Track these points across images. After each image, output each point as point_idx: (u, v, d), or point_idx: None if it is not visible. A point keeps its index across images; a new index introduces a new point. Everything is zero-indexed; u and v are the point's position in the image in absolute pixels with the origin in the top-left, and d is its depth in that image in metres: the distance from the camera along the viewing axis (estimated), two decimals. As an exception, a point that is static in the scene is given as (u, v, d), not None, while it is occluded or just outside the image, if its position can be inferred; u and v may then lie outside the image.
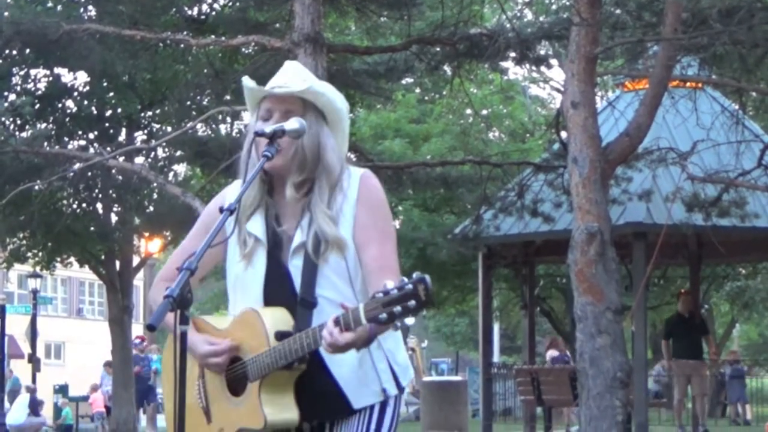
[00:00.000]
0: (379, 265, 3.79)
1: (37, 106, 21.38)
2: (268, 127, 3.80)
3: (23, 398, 31.84)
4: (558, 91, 35.29)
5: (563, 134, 14.61)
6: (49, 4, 21.43)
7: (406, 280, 3.46)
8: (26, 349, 38.56)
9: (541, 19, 22.70)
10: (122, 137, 23.94)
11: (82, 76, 22.85)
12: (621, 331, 12.44)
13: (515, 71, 38.46)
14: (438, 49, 17.83)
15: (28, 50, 20.75)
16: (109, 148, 20.48)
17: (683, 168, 15.29)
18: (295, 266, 3.84)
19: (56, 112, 22.60)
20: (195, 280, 3.98)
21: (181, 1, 21.70)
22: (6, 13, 19.22)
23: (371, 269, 3.81)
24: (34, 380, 33.96)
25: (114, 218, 24.89)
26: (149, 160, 23.78)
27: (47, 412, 33.48)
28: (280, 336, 3.76)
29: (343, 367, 3.80)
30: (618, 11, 16.06)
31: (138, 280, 37.50)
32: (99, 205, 24.20)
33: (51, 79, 22.62)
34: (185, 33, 19.25)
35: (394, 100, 28.20)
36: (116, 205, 24.28)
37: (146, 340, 29.15)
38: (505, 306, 34.25)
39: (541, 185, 16.84)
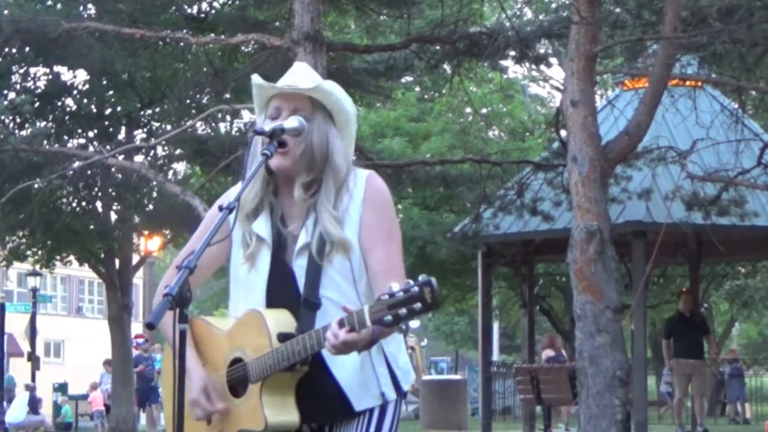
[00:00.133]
0: (384, 267, 3.79)
1: (36, 105, 21.39)
2: (268, 126, 3.79)
3: (22, 396, 31.86)
4: (557, 89, 35.31)
5: (563, 133, 14.61)
6: (49, 3, 21.42)
7: (411, 282, 3.45)
8: (26, 347, 38.56)
9: (540, 17, 22.70)
10: (122, 135, 23.95)
11: (82, 75, 22.86)
12: (620, 330, 12.44)
13: (515, 70, 38.48)
14: (438, 47, 17.83)
15: (27, 48, 20.75)
16: (108, 147, 20.51)
17: (683, 167, 15.29)
18: (300, 266, 3.83)
19: (56, 111, 22.61)
20: (198, 281, 3.99)
21: (181, -1, 21.73)
22: (6, 11, 19.21)
23: (377, 272, 3.80)
24: (33, 378, 33.97)
25: (113, 216, 24.89)
26: (149, 158, 23.79)
27: (46, 411, 33.51)
28: (283, 338, 3.74)
29: (344, 369, 3.79)
30: (618, 10, 16.06)
31: (137, 279, 37.49)
32: (98, 204, 24.20)
33: (50, 77, 22.63)
34: (185, 31, 19.23)
35: (393, 98, 28.21)
36: (116, 204, 24.28)
37: (149, 339, 29.18)
38: (504, 305, 34.26)
39: (540, 184, 16.84)
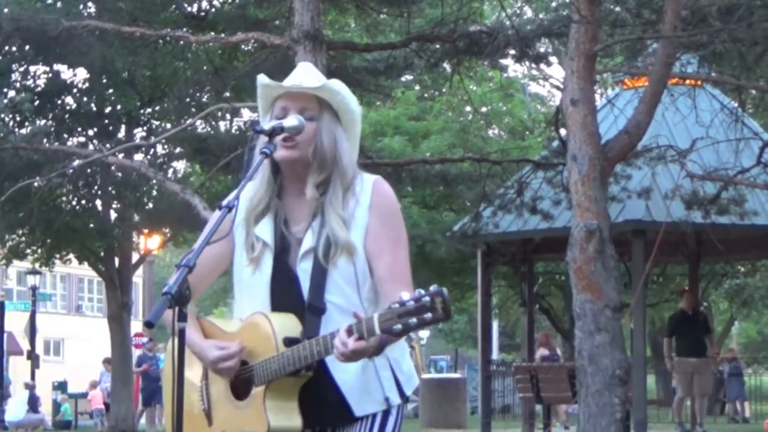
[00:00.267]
0: (391, 274, 3.76)
1: (36, 103, 21.39)
2: (267, 125, 3.78)
3: (22, 395, 31.87)
4: (557, 88, 35.31)
5: (562, 132, 14.61)
6: (49, 1, 21.42)
7: (423, 292, 3.43)
8: (25, 345, 38.59)
9: (540, 16, 22.70)
10: (122, 134, 23.96)
11: (82, 73, 22.87)
12: (620, 329, 12.45)
13: (515, 68, 38.51)
14: (438, 46, 17.82)
15: (27, 47, 20.75)
16: (108, 145, 20.51)
17: (682, 166, 15.29)
18: (304, 270, 3.82)
19: (56, 109, 22.61)
20: (203, 285, 3.99)
21: (181, -3, 21.73)
22: (6, 10, 19.20)
23: (384, 278, 3.78)
24: (33, 377, 33.98)
25: (113, 215, 24.89)
26: (149, 156, 23.80)
27: (46, 409, 33.51)
28: (289, 342, 3.73)
29: (346, 374, 3.78)
30: (617, 9, 16.07)
31: (137, 277, 37.56)
32: (98, 202, 24.20)
33: (50, 75, 22.62)
34: (185, 30, 19.25)
35: (393, 97, 28.21)
36: (115, 202, 24.28)
37: (153, 338, 29.23)
38: (504, 303, 34.28)
39: (540, 183, 16.83)
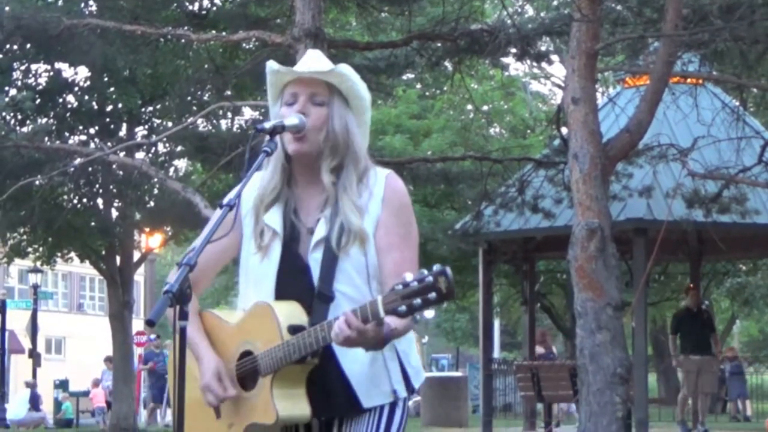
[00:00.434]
0: (398, 271, 3.69)
1: (37, 101, 21.38)
2: (268, 123, 3.77)
3: (23, 393, 31.91)
4: (559, 87, 35.29)
5: (564, 130, 14.61)
6: (50, -1, 21.45)
7: (425, 272, 3.41)
8: (27, 344, 38.62)
9: (541, 15, 22.70)
10: (123, 132, 23.96)
11: (83, 71, 22.86)
12: (621, 327, 12.46)
13: (516, 67, 38.46)
14: (439, 44, 17.82)
15: (28, 45, 20.75)
16: (109, 143, 20.53)
17: (684, 164, 15.29)
18: (315, 260, 3.80)
19: (57, 107, 22.60)
20: (204, 281, 4.00)
21: (182, -4, 21.72)
22: (7, 8, 19.19)
23: (390, 274, 3.74)
24: (34, 375, 34.02)
25: (114, 213, 24.89)
26: (150, 155, 23.80)
27: (47, 407, 33.52)
28: (293, 330, 3.71)
29: (354, 364, 3.76)
30: (619, 7, 16.07)
31: (138, 276, 37.53)
32: (99, 201, 24.21)
33: (52, 74, 22.62)
34: (186, 28, 19.26)
35: (394, 95, 28.23)
36: (117, 201, 24.28)
37: (161, 335, 29.26)
38: (505, 302, 34.26)
39: (541, 181, 16.84)
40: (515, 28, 16.04)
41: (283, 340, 3.71)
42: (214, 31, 19.07)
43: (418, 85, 32.60)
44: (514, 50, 17.04)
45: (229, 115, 22.96)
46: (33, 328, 35.85)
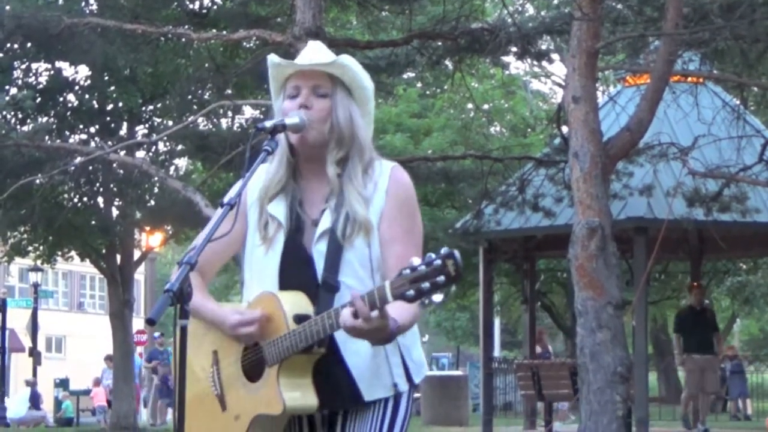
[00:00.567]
0: (401, 264, 3.62)
1: (38, 100, 21.36)
2: (268, 122, 3.77)
3: (24, 392, 31.92)
4: (559, 85, 35.27)
5: (564, 129, 14.61)
6: (51, -2, 21.43)
7: (433, 255, 3.38)
8: (27, 342, 38.64)
9: (542, 13, 22.70)
10: (123, 131, 23.94)
11: (84, 70, 22.85)
12: (621, 326, 12.46)
13: (516, 66, 38.44)
14: (439, 43, 17.83)
15: (29, 44, 20.73)
16: (110, 142, 20.51)
17: (684, 163, 15.30)
18: (319, 251, 3.79)
19: (57, 106, 22.60)
20: (212, 269, 4.00)
21: (183, -5, 21.71)
22: (7, 7, 19.19)
23: (393, 267, 3.70)
24: (35, 374, 34.02)
25: (115, 212, 24.88)
26: (150, 154, 23.79)
27: (47, 406, 33.54)
28: (299, 319, 3.69)
29: (357, 356, 3.75)
30: (619, 6, 16.07)
31: (139, 274, 37.50)
32: (100, 199, 24.20)
33: (52, 72, 22.61)
34: (186, 27, 19.28)
35: (395, 94, 28.22)
36: (117, 199, 24.27)
37: (163, 334, 29.29)
38: (506, 301, 34.25)
39: (542, 180, 16.84)
40: (516, 27, 16.04)
41: (289, 329, 3.69)
42: (214, 30, 19.07)
43: (419, 84, 32.59)
44: (514, 49, 17.04)
45: (230, 114, 22.96)
46: (33, 327, 35.86)
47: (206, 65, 20.60)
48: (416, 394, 28.31)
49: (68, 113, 22.76)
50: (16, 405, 31.88)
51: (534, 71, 37.45)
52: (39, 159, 19.38)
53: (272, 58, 3.92)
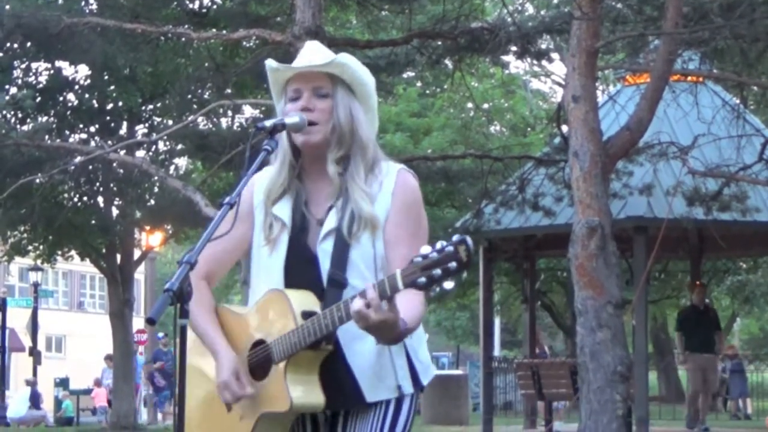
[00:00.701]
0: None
1: (38, 100, 21.36)
2: (268, 122, 3.77)
3: (24, 391, 31.91)
4: (559, 85, 35.28)
5: (564, 128, 14.61)
6: (50, -2, 21.43)
7: (445, 243, 3.36)
8: (27, 342, 38.65)
9: (542, 13, 22.70)
10: (123, 131, 23.95)
11: (84, 70, 22.85)
12: (621, 325, 12.46)
13: (516, 65, 38.44)
14: (439, 42, 17.83)
15: (29, 43, 20.73)
16: (110, 142, 20.50)
17: (684, 162, 15.29)
18: (324, 251, 3.77)
19: (57, 106, 22.60)
20: (220, 271, 4.00)
21: (182, -6, 21.71)
22: (7, 6, 19.19)
23: (396, 268, 3.68)
24: (35, 373, 34.02)
25: (115, 212, 24.88)
26: (150, 153, 23.78)
27: (47, 405, 33.53)
28: (307, 316, 3.67)
29: (360, 357, 3.74)
30: (619, 5, 16.07)
31: (139, 274, 37.48)
32: (100, 199, 24.20)
33: (52, 72, 22.61)
34: (186, 26, 19.27)
35: (395, 94, 28.22)
36: (117, 199, 24.28)
37: (167, 334, 29.30)
38: (506, 300, 34.27)
39: (542, 179, 16.84)
40: (515, 26, 16.04)
41: (297, 325, 3.67)
42: (214, 30, 19.07)
43: (419, 84, 32.59)
44: (514, 48, 17.05)
45: (230, 113, 22.97)
46: (33, 327, 35.86)
47: (206, 65, 20.61)
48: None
49: (68, 113, 22.76)
50: (16, 404, 31.88)
51: (534, 70, 37.48)
52: (39, 158, 19.38)
53: (270, 63, 3.91)
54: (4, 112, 20.68)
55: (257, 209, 3.91)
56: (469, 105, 31.37)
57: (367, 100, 3.92)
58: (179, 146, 23.09)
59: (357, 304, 3.47)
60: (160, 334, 29.16)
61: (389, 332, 3.54)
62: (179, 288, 3.43)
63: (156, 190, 23.87)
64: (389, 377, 3.78)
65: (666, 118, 16.97)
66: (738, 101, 17.08)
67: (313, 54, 3.90)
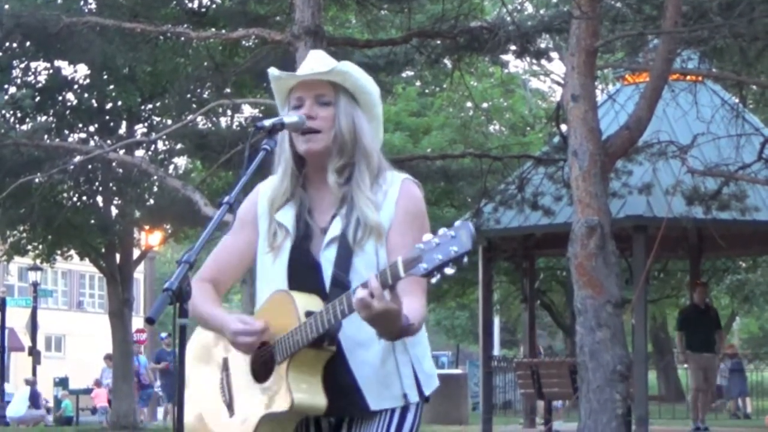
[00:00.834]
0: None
1: (37, 99, 21.36)
2: (267, 121, 3.77)
3: (23, 391, 31.90)
4: (558, 84, 35.30)
5: (563, 127, 14.62)
6: (50, -3, 21.42)
7: (447, 229, 3.35)
8: (26, 341, 38.64)
9: (541, 12, 22.68)
10: (122, 130, 23.95)
11: (83, 69, 22.84)
12: (621, 325, 12.46)
13: (516, 64, 38.44)
14: (438, 42, 17.84)
15: (28, 43, 20.73)
16: (109, 141, 20.49)
17: (683, 161, 15.30)
18: (327, 259, 3.76)
19: (56, 105, 22.59)
20: (228, 281, 4.01)
21: (181, -7, 21.71)
22: (6, 6, 19.19)
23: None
24: (34, 373, 34.01)
25: (114, 211, 24.89)
26: (149, 153, 23.78)
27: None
28: (310, 315, 3.66)
29: (363, 365, 3.73)
30: (618, 4, 16.07)
31: (138, 273, 37.56)
32: (99, 198, 24.20)
33: (51, 71, 22.61)
34: (185, 26, 19.26)
35: (394, 93, 28.22)
36: (116, 198, 24.28)
37: (170, 334, 29.27)
38: (505, 299, 34.28)
39: (541, 178, 16.84)
40: (515, 26, 16.05)
41: (301, 324, 3.66)
42: (213, 29, 19.08)
43: (418, 83, 32.59)
44: (513, 47, 17.06)
45: (229, 112, 22.97)
46: (33, 326, 35.86)
47: (205, 64, 20.62)
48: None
49: (67, 112, 22.76)
50: (16, 404, 31.88)
51: (533, 70, 37.49)
52: (38, 158, 19.39)
53: (272, 72, 3.91)
54: (4, 111, 20.67)
55: (261, 218, 3.90)
56: (469, 104, 31.38)
57: (371, 109, 3.92)
58: (178, 146, 23.10)
59: (360, 293, 3.46)
60: (164, 334, 29.13)
61: (392, 324, 3.52)
62: (178, 287, 3.43)
63: (155, 189, 23.87)
64: (395, 385, 3.76)
65: (665, 118, 16.97)
66: (737, 100, 17.08)
67: (316, 62, 3.90)
